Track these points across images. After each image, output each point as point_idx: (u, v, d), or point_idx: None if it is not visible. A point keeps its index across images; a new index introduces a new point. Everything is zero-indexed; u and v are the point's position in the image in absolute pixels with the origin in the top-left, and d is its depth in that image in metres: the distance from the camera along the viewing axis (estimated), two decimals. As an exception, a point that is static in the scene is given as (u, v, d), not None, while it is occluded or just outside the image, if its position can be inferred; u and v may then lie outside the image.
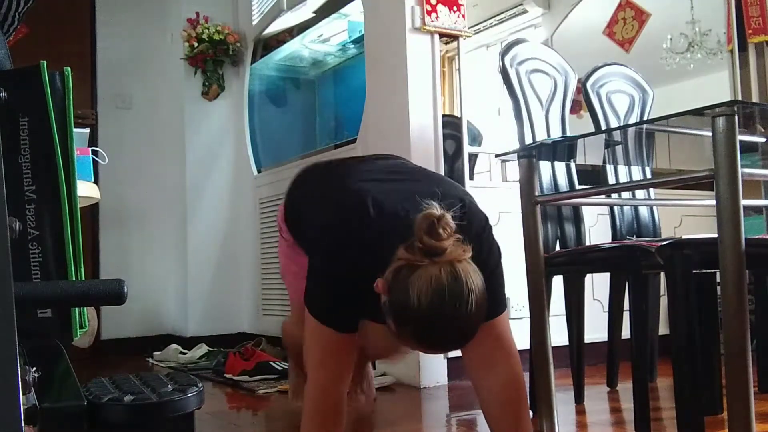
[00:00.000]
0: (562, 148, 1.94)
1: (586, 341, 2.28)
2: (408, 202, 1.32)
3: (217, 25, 4.08)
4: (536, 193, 1.88)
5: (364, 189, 1.43)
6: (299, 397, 2.06)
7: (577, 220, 2.24)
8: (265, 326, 3.86)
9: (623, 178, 2.32)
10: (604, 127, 2.30)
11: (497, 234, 1.46)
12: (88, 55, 4.18)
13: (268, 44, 4.31)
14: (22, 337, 0.61)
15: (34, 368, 0.71)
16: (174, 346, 3.69)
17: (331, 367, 1.42)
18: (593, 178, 2.50)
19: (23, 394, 0.62)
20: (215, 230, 4.14)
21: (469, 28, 2.89)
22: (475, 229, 1.40)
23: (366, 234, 1.36)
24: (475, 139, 3.39)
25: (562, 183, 2.22)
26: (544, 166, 2.17)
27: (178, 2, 4.20)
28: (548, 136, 2.18)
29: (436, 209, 1.25)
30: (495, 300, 1.42)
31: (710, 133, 1.45)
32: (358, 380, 2.17)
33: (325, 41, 4.15)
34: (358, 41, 3.77)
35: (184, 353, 3.60)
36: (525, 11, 4.12)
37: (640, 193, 2.39)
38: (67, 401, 0.80)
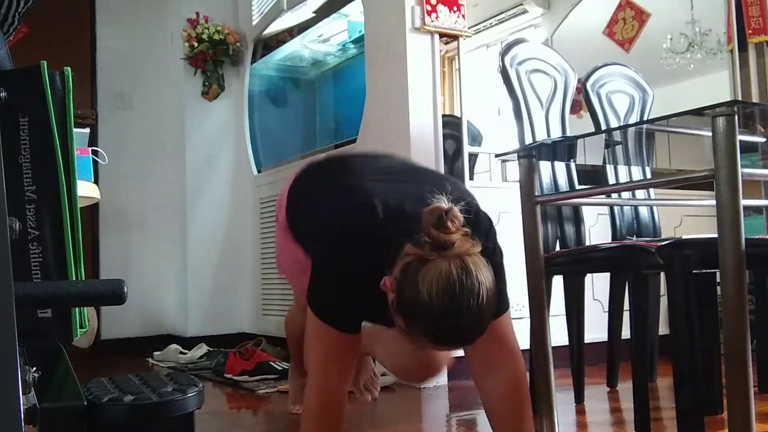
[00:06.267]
0: (562, 148, 1.94)
1: (586, 341, 2.27)
2: (415, 201, 1.31)
3: (217, 25, 4.08)
4: (536, 193, 1.88)
5: (371, 188, 1.43)
6: (298, 404, 2.05)
7: (577, 220, 2.24)
8: (265, 326, 3.86)
9: (623, 178, 2.32)
10: (604, 127, 2.30)
11: (497, 234, 1.47)
12: (88, 55, 4.19)
13: (268, 44, 4.31)
14: (22, 337, 0.61)
15: (34, 368, 0.71)
16: (174, 346, 3.69)
17: (333, 368, 1.41)
18: (593, 178, 2.49)
19: (23, 394, 0.62)
20: (215, 230, 4.14)
21: (469, 28, 2.89)
22: (483, 228, 1.40)
23: (373, 233, 1.35)
24: (475, 139, 3.39)
25: (562, 183, 2.22)
26: (544, 166, 2.17)
27: (178, 2, 4.20)
28: (548, 136, 2.18)
29: (443, 203, 1.24)
30: (499, 299, 1.42)
31: (710, 133, 1.45)
32: (359, 378, 2.17)
33: (325, 41, 4.16)
34: (358, 41, 3.77)
35: (184, 353, 3.60)
36: (525, 11, 4.13)
37: (640, 193, 2.39)
38: (67, 401, 0.80)
